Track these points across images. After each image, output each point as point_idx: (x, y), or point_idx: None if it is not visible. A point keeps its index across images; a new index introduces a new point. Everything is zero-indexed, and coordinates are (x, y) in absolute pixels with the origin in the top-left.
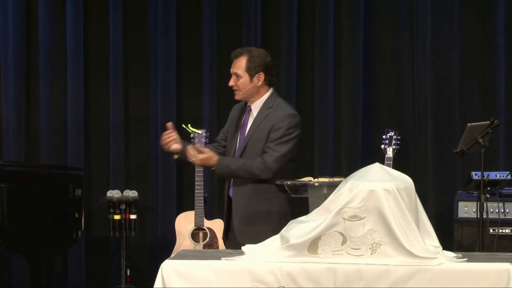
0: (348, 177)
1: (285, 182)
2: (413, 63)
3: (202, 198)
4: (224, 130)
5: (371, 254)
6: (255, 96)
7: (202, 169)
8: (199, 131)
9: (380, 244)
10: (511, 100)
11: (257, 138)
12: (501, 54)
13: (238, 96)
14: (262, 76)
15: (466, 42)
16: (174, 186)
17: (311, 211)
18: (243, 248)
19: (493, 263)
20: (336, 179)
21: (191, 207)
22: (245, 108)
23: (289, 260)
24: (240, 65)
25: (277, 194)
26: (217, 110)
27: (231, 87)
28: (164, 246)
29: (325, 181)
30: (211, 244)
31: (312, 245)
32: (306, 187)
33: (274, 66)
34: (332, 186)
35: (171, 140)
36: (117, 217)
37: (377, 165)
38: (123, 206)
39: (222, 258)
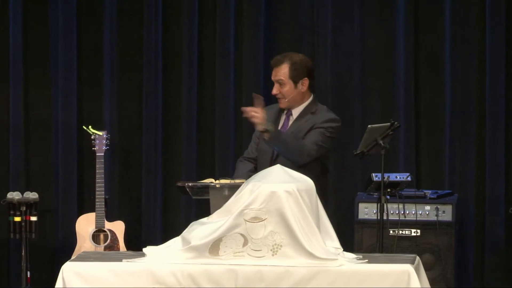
0: (250, 178)
1: (186, 184)
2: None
3: (103, 199)
4: (256, 136)
5: (272, 255)
6: (299, 102)
7: (103, 170)
8: (100, 133)
9: (281, 246)
10: (411, 102)
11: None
12: (401, 56)
13: (283, 104)
14: (306, 81)
15: (366, 44)
16: (74, 187)
17: (213, 212)
18: (144, 249)
19: (393, 264)
20: (237, 181)
21: (91, 209)
22: (282, 111)
23: (190, 262)
24: (283, 72)
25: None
26: (118, 111)
27: (275, 95)
28: (64, 248)
29: (227, 182)
30: (112, 246)
31: (214, 247)
32: (208, 189)
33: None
34: (234, 188)
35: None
36: (17, 219)
37: (278, 166)
38: (24, 208)
39: (123, 259)
